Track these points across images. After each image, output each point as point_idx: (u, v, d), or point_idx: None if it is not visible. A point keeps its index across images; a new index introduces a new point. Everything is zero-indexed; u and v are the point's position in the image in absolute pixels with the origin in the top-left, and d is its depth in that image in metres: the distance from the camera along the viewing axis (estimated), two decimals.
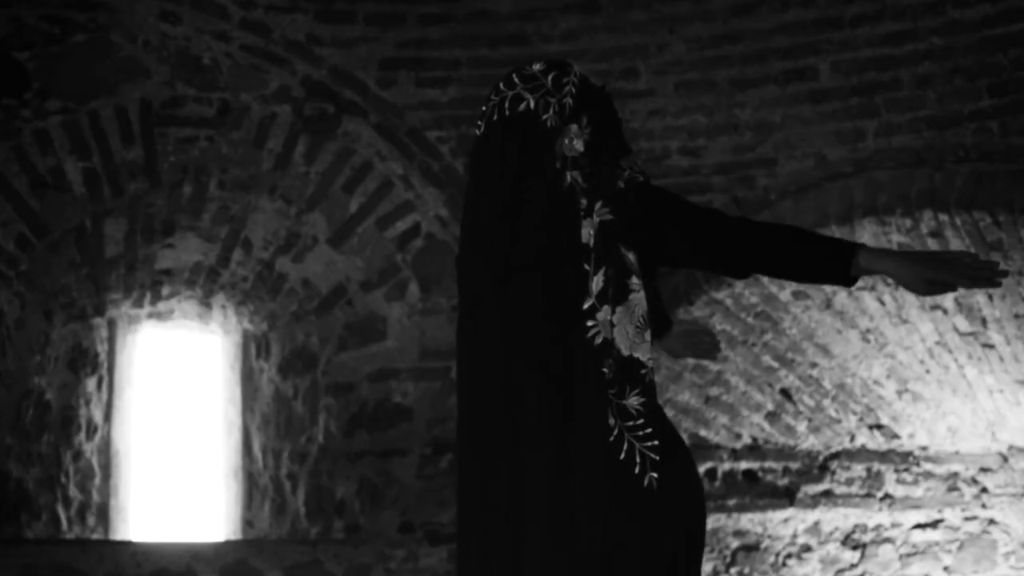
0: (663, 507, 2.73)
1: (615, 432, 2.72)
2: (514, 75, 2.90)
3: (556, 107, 2.86)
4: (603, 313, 2.75)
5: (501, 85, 2.90)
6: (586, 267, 2.76)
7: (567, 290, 2.77)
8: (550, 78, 2.89)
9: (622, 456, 2.71)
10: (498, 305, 2.80)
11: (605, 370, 2.72)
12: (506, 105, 2.87)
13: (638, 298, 2.77)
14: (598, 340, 2.74)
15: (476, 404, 2.82)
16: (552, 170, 2.82)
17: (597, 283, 2.76)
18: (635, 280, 2.77)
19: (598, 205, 2.79)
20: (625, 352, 2.74)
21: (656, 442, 2.71)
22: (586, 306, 2.75)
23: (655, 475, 2.70)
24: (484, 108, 2.91)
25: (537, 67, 2.91)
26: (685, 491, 2.80)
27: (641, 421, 2.72)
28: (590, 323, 2.74)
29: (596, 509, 2.70)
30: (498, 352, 2.80)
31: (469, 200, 2.90)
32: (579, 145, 2.84)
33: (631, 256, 2.78)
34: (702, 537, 2.85)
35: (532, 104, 2.85)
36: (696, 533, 2.82)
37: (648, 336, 2.76)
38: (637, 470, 2.71)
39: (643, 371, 2.74)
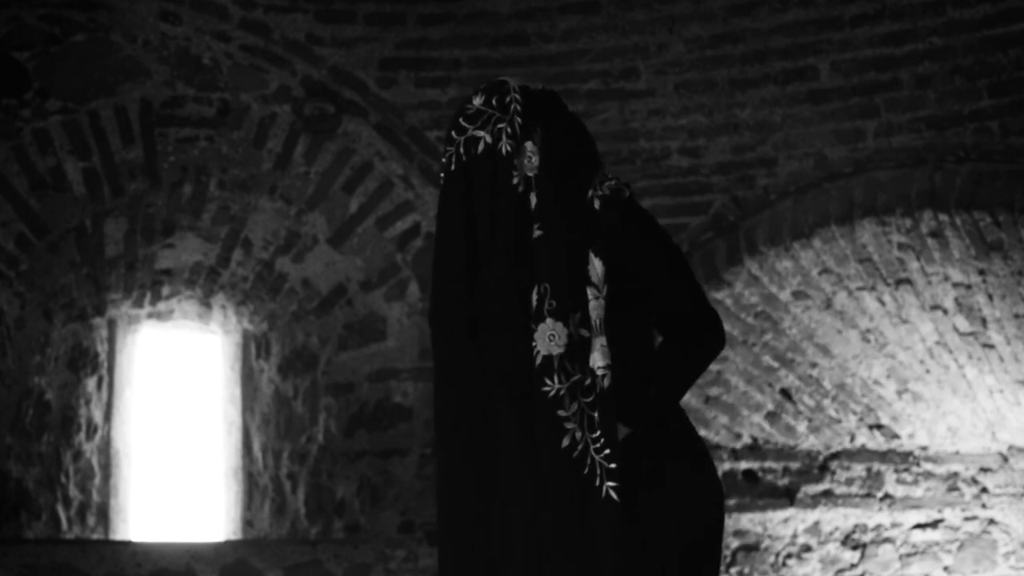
0: (634, 517, 2.70)
1: (580, 447, 2.70)
2: (460, 119, 2.85)
3: (508, 131, 2.81)
4: (539, 332, 2.72)
5: (452, 133, 2.85)
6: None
7: (528, 310, 2.75)
8: (494, 103, 2.84)
9: (585, 470, 2.70)
10: (474, 337, 2.78)
11: (546, 388, 2.70)
12: (462, 151, 2.83)
13: (593, 305, 2.74)
14: (538, 360, 2.72)
15: (457, 423, 2.80)
16: (516, 194, 2.79)
17: (533, 301, 2.74)
18: (592, 289, 2.74)
19: (536, 226, 2.77)
20: (588, 362, 2.72)
21: (608, 451, 2.69)
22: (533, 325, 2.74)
23: (612, 484, 2.67)
24: (443, 159, 2.87)
25: (477, 101, 2.85)
26: (672, 500, 2.76)
27: (597, 433, 2.71)
28: (532, 343, 2.73)
29: (560, 530, 2.68)
30: (477, 378, 2.77)
31: (439, 251, 2.86)
32: (536, 160, 2.81)
33: (597, 262, 2.76)
34: (701, 545, 2.78)
35: (489, 139, 2.82)
36: (693, 542, 2.77)
37: (602, 342, 2.73)
38: (597, 482, 2.69)
39: (591, 380, 2.72)
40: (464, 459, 2.79)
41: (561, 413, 2.69)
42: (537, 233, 2.75)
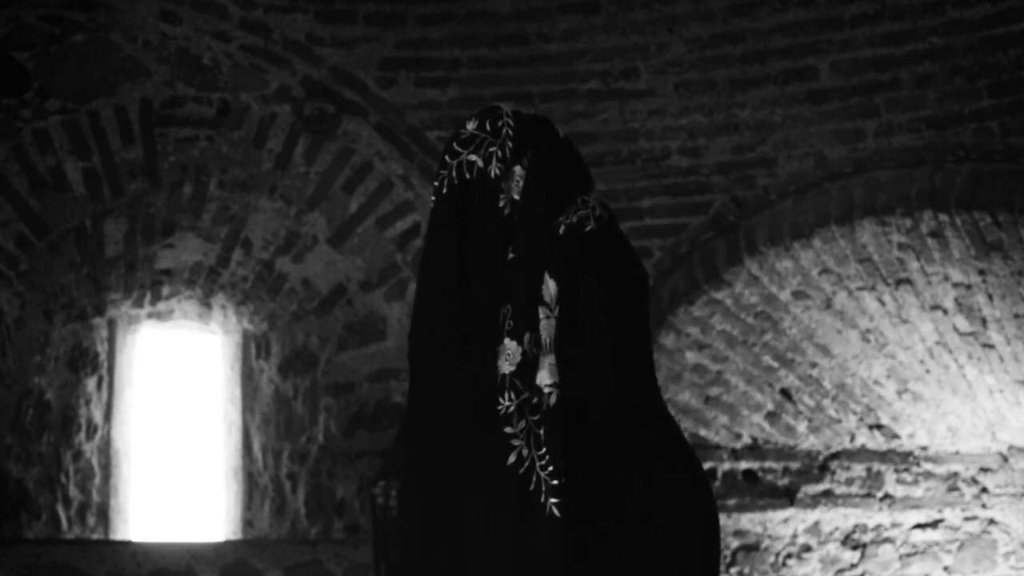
0: (580, 534, 2.69)
1: (526, 464, 2.72)
2: (454, 143, 2.88)
3: (499, 154, 2.83)
4: (500, 352, 2.75)
5: (446, 157, 2.88)
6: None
7: (501, 332, 2.78)
8: (487, 127, 2.86)
9: (531, 487, 2.71)
10: (463, 351, 2.80)
11: (499, 408, 2.72)
12: (454, 174, 2.86)
13: (544, 324, 2.76)
14: (498, 378, 2.74)
15: (451, 433, 2.81)
16: (503, 215, 2.81)
17: (500, 322, 2.77)
18: (544, 308, 2.76)
19: (510, 248, 2.79)
20: (536, 381, 2.74)
21: (552, 468, 2.70)
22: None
23: (555, 501, 2.68)
24: (435, 183, 2.90)
25: (471, 126, 2.87)
26: (661, 513, 2.76)
27: (543, 451, 2.73)
28: (499, 360, 2.76)
29: (505, 548, 2.69)
30: (468, 391, 2.79)
31: (429, 268, 2.88)
32: (523, 184, 2.84)
33: (551, 282, 2.78)
34: (698, 558, 2.77)
35: (481, 163, 2.84)
36: (689, 555, 2.76)
37: (551, 360, 2.75)
38: (542, 499, 2.70)
39: (538, 399, 2.74)
40: (458, 464, 2.80)
41: (508, 430, 2.72)
42: (510, 256, 2.78)
